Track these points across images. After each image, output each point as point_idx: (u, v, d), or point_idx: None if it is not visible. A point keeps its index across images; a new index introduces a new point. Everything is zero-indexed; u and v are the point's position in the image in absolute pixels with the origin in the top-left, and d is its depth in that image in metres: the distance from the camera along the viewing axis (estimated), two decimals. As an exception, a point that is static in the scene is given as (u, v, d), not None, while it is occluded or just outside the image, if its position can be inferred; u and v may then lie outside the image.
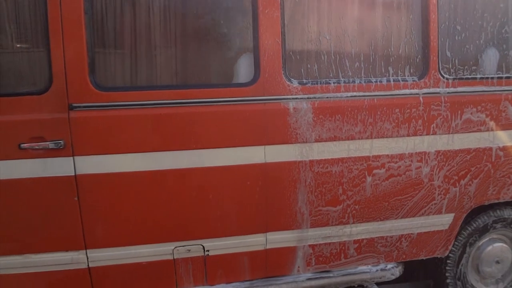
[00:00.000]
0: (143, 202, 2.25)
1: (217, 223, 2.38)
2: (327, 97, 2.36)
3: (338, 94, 2.37)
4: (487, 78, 2.54)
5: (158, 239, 2.34)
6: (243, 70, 2.30)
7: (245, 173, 2.32)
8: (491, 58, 2.56)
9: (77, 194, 2.16)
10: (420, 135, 2.48)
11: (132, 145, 2.18)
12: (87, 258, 2.25)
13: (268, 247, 2.48)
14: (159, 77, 2.33)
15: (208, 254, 2.42)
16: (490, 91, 2.54)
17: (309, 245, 2.52)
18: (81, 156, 2.14)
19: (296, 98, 2.31)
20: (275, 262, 2.53)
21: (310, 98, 2.33)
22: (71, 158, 2.13)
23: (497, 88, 2.55)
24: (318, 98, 2.34)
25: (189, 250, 2.39)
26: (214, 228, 2.39)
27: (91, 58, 2.10)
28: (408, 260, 2.75)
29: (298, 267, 2.57)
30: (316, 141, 2.37)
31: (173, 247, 2.36)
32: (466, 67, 2.52)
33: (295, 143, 2.35)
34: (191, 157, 2.25)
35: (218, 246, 2.42)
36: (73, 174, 2.14)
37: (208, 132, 2.24)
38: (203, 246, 2.40)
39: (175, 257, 2.38)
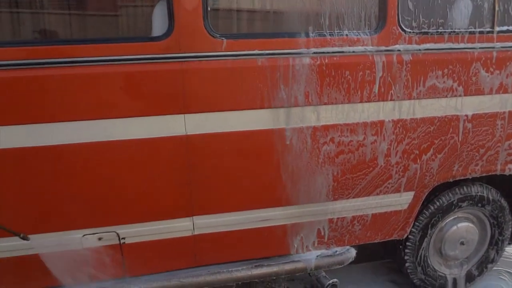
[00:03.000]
0: (37, 184, 1.85)
1: (132, 206, 2.01)
2: (263, 55, 1.93)
3: (278, 51, 1.94)
4: (457, 33, 2.13)
5: (62, 227, 1.96)
6: (156, 21, 1.85)
7: (161, 148, 1.92)
8: (462, 10, 2.14)
9: None
10: (375, 101, 2.09)
11: (14, 115, 1.75)
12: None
13: (196, 232, 2.12)
14: (45, 29, 1.87)
15: (124, 242, 2.05)
16: (459, 49, 2.14)
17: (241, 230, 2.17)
18: None
19: (223, 56, 1.88)
20: (205, 250, 2.18)
21: (241, 55, 1.90)
22: None
23: (468, 45, 2.15)
24: (252, 56, 1.91)
25: (101, 239, 2.02)
26: (130, 213, 2.01)
27: None
28: (361, 244, 2.43)
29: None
30: (249, 108, 1.96)
31: (81, 235, 1.98)
32: (432, 20, 2.10)
33: (223, 110, 1.94)
34: (95, 129, 1.84)
35: (136, 233, 2.05)
36: None
37: (112, 98, 1.82)
38: (118, 234, 2.03)
39: (84, 246, 2.01)
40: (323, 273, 2.38)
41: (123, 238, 2.05)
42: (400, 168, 2.24)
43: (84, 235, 2.00)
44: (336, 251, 2.36)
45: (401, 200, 2.34)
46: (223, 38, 1.87)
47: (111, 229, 2.02)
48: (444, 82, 2.15)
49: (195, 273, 2.21)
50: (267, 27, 2.10)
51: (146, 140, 1.90)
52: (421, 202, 2.39)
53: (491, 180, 2.59)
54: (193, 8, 1.79)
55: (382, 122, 2.14)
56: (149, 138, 1.90)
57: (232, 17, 1.99)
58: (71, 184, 1.90)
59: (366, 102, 2.08)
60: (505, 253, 3.20)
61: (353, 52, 2.00)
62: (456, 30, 2.12)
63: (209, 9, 1.84)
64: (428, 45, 2.09)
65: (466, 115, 2.25)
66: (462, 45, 2.13)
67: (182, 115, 1.91)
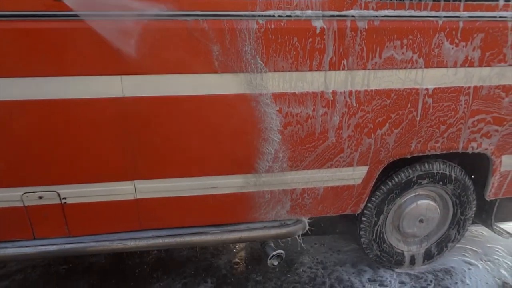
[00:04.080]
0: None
1: (73, 167, 1.99)
2: (205, 16, 1.83)
3: (220, 13, 1.84)
4: (420, 0, 1.98)
5: (2, 183, 1.96)
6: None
7: (98, 109, 1.87)
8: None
9: None
10: (325, 70, 1.99)
11: None
12: None
13: (139, 197, 2.11)
14: None
15: (65, 202, 2.06)
16: (421, 17, 1.99)
17: (186, 197, 2.15)
18: None
19: (160, 16, 1.79)
20: (150, 214, 2.18)
21: (180, 16, 1.80)
22: None
23: (431, 14, 2.00)
24: (192, 16, 1.82)
25: (41, 197, 2.02)
26: (71, 173, 2.00)
27: None
28: (313, 217, 2.40)
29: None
30: (189, 72, 1.88)
31: (21, 193, 1.99)
32: (392, -16, 1.96)
33: (162, 73, 1.87)
34: (28, 87, 1.79)
35: (77, 193, 2.05)
36: None
37: (49, 55, 1.76)
38: (58, 193, 2.03)
39: (26, 204, 2.03)
40: (271, 244, 2.36)
41: (64, 198, 2.05)
42: (353, 142, 2.16)
43: (25, 193, 2.00)
44: (284, 222, 2.33)
45: (354, 175, 2.27)
46: (160, -5, 1.77)
47: (51, 188, 2.02)
48: (403, 53, 2.02)
49: (139, 236, 2.22)
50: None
51: (82, 101, 1.85)
52: (376, 178, 2.32)
53: (463, 159, 2.49)
54: None
55: (333, 93, 2.04)
56: (85, 99, 1.85)
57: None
58: (7, 141, 1.88)
59: (316, 71, 1.98)
60: (473, 232, 3.15)
61: (302, 16, 1.88)
62: (419, -3, 1.97)
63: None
64: (386, 12, 1.96)
65: (427, 89, 2.13)
66: (424, 13, 1.99)
67: (119, 76, 1.84)
